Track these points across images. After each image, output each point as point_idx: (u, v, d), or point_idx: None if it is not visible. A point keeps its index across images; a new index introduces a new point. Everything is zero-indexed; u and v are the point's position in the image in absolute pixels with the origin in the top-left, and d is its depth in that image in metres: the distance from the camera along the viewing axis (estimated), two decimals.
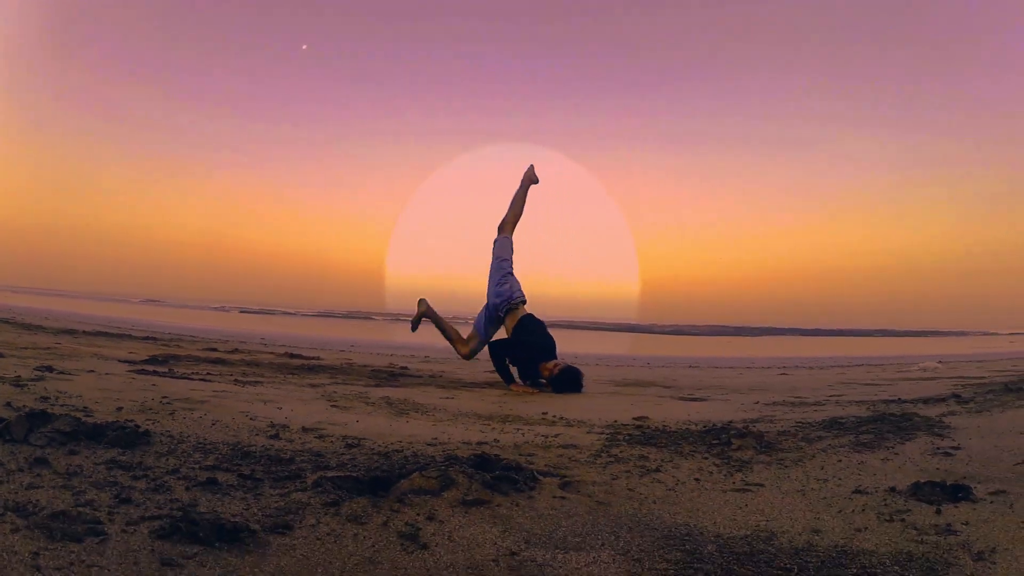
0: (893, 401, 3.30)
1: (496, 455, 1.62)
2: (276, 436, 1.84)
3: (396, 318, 25.99)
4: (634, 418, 2.66)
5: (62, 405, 1.91)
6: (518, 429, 2.30)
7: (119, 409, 1.97)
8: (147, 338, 6.77)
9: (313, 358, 5.53)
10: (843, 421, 2.50)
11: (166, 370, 3.05)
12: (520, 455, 1.78)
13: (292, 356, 5.47)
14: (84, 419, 1.60)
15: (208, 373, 3.11)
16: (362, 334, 15.90)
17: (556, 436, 2.17)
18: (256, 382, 2.96)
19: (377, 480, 1.35)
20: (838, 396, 3.89)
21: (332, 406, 2.48)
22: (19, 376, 2.28)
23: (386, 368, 4.98)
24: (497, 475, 1.39)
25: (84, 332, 6.71)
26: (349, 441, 1.86)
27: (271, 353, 5.72)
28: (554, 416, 2.68)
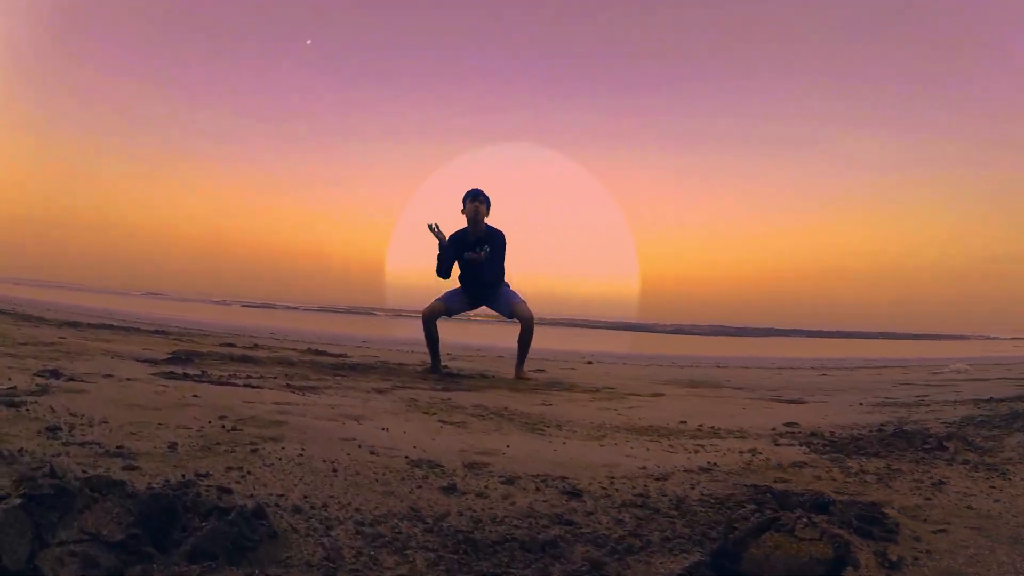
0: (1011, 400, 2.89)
1: (801, 491, 1.14)
2: (452, 489, 1.18)
3: (398, 314, 25.43)
4: (785, 424, 2.26)
5: (82, 443, 1.22)
6: (687, 444, 1.85)
7: (172, 447, 1.27)
8: (157, 331, 6.18)
9: (340, 355, 4.99)
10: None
11: (198, 372, 2.48)
12: (773, 481, 1.31)
13: (318, 352, 4.92)
14: (131, 486, 0.83)
15: (249, 376, 2.53)
16: (369, 330, 15.34)
17: (739, 451, 1.76)
18: (311, 387, 2.38)
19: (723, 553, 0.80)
20: (923, 396, 3.50)
21: (440, 422, 1.92)
22: (14, 388, 1.66)
23: (422, 365, 4.46)
24: (856, 526, 0.87)
25: (88, 325, 6.12)
26: (563, 486, 1.25)
27: (294, 350, 5.17)
28: (692, 424, 2.23)
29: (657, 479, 1.36)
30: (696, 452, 1.74)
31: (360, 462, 1.31)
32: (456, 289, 4.21)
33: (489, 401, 2.48)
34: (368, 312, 27.17)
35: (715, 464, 1.56)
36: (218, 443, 1.36)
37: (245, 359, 3.40)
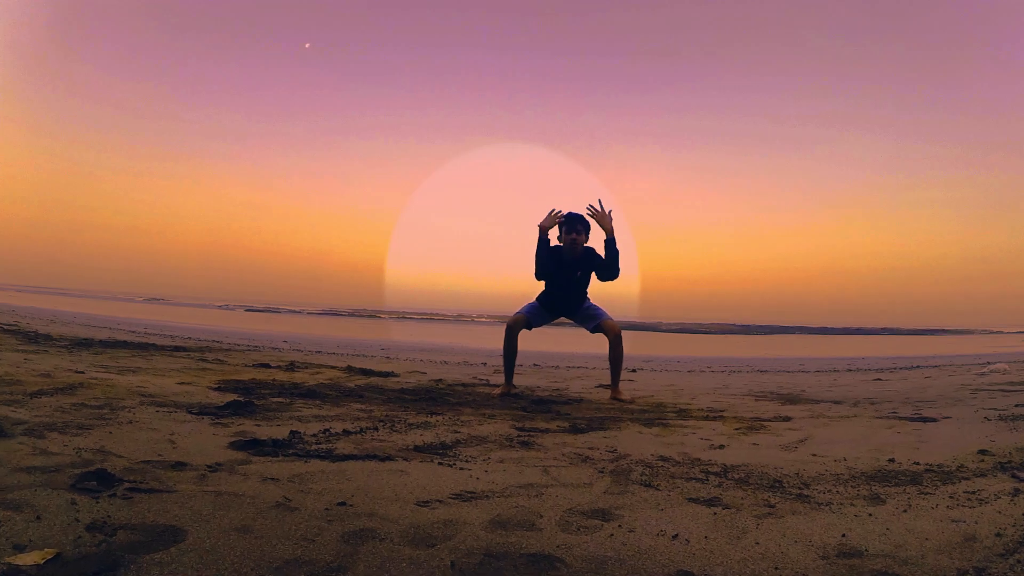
0: None
1: None
2: None
3: (402, 316, 24.76)
4: (978, 452, 1.86)
5: None
6: (952, 495, 1.40)
7: None
8: (176, 348, 5.52)
9: (388, 373, 4.37)
10: None
11: (284, 435, 1.74)
12: None
13: (364, 372, 4.29)
14: None
15: (346, 430, 1.80)
16: (379, 334, 14.69)
17: (1009, 498, 1.37)
18: (438, 447, 1.70)
19: None
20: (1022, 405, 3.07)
21: (690, 500, 1.32)
22: (58, 557, 0.88)
23: (486, 382, 3.84)
24: None
25: (100, 342, 5.44)
26: None
27: (334, 367, 4.53)
28: (904, 461, 1.77)
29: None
30: (981, 504, 1.35)
31: None
32: (536, 305, 3.69)
33: (657, 446, 1.88)
34: (371, 316, 26.44)
35: None
36: None
37: (305, 393, 2.75)
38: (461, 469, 1.48)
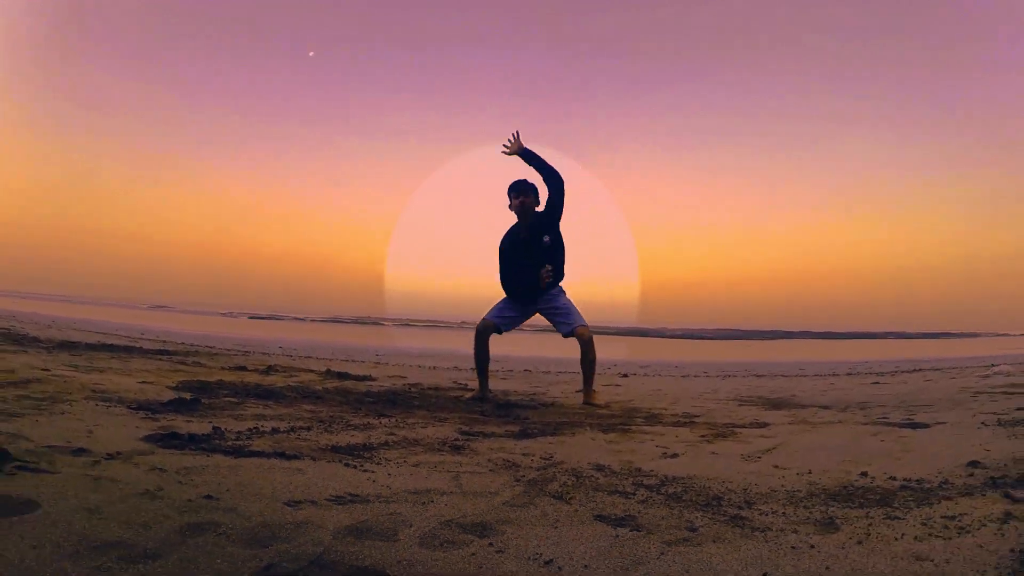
0: None
1: None
2: None
3: (406, 323, 24.76)
4: (968, 464, 1.64)
5: None
6: (925, 515, 1.18)
7: None
8: (160, 352, 5.48)
9: (364, 377, 4.30)
10: None
11: (207, 430, 1.70)
12: None
13: (339, 376, 4.22)
14: None
15: (275, 430, 1.75)
16: (379, 340, 14.65)
17: (994, 520, 1.17)
18: (362, 448, 1.63)
19: None
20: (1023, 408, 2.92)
21: (598, 518, 1.17)
22: None
23: (459, 388, 3.74)
24: None
25: (86, 345, 5.42)
26: None
27: (312, 371, 4.47)
28: (879, 476, 1.57)
29: None
30: (959, 534, 1.11)
31: None
32: (505, 300, 3.49)
33: (602, 454, 1.77)
34: (374, 322, 26.44)
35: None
36: None
37: (262, 393, 2.69)
38: (364, 471, 1.40)
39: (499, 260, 3.46)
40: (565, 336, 3.44)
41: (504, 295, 3.50)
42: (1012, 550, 1.01)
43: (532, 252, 3.36)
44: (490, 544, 1.02)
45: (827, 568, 0.97)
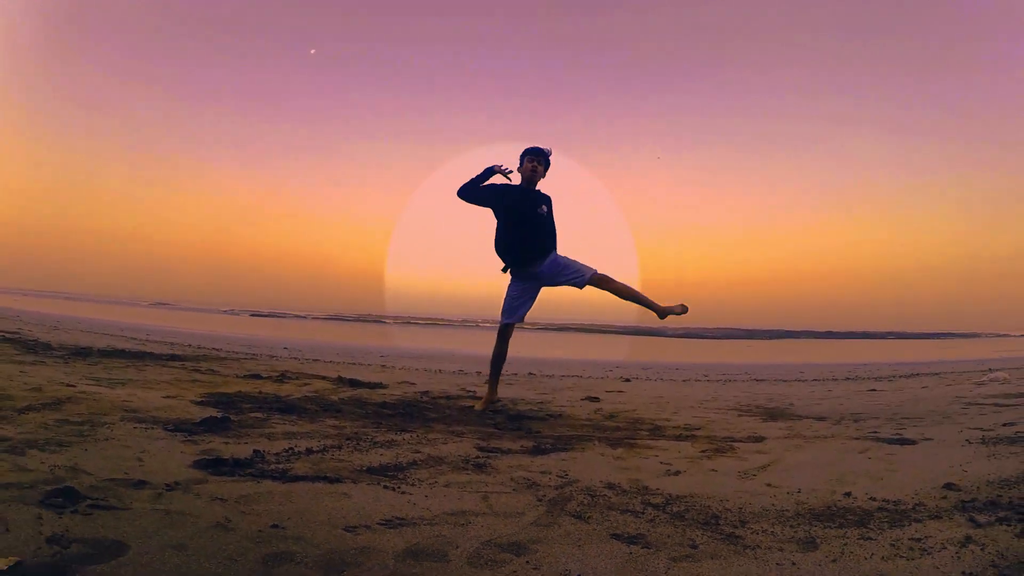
0: None
1: None
2: None
3: (408, 321, 24.88)
4: (944, 487, 1.78)
5: None
6: (894, 536, 1.33)
7: None
8: (171, 357, 5.63)
9: (376, 384, 4.43)
10: None
11: (248, 454, 1.80)
12: None
13: (351, 383, 4.36)
14: None
15: (310, 450, 1.88)
16: (381, 341, 14.79)
17: (956, 543, 1.33)
18: (393, 469, 1.78)
19: None
20: (1011, 423, 3.02)
21: (613, 537, 1.34)
22: (17, 562, 1.01)
23: (467, 395, 3.88)
24: None
25: (99, 351, 5.55)
26: None
27: (324, 378, 4.61)
28: (860, 496, 1.70)
29: None
30: (921, 555, 1.27)
31: None
32: (509, 291, 3.52)
33: (611, 472, 1.92)
34: (376, 320, 26.57)
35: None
36: None
37: (284, 407, 2.82)
38: (403, 493, 1.55)
39: (497, 218, 3.42)
40: (581, 288, 3.44)
41: (502, 266, 3.51)
42: (963, 572, 1.17)
43: (534, 213, 3.39)
44: (527, 562, 1.19)
45: None
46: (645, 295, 3.44)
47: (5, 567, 1.03)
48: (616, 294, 3.36)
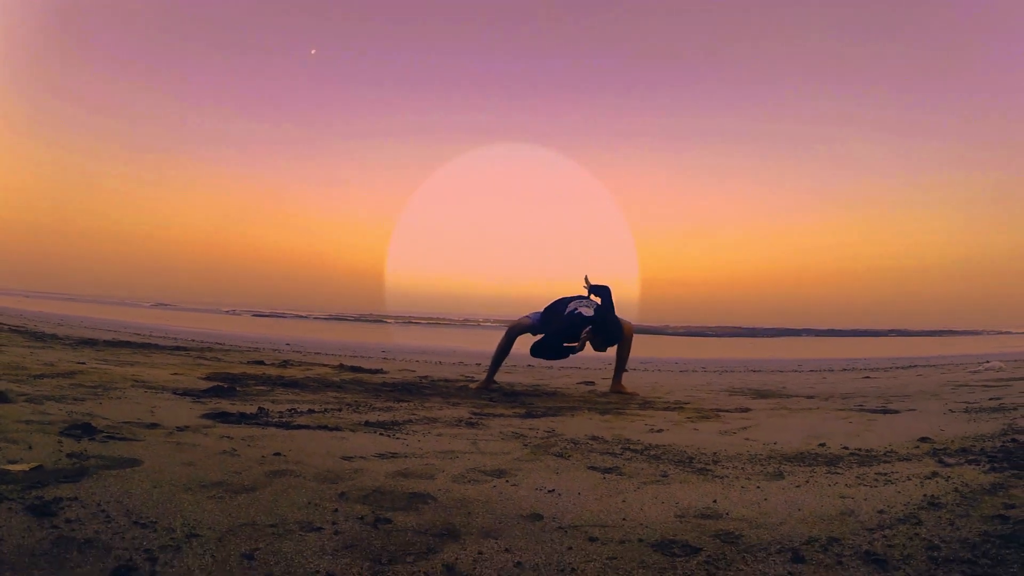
0: None
1: None
2: None
3: (408, 321, 25.03)
4: (919, 439, 1.88)
5: None
6: (861, 473, 1.38)
7: None
8: (176, 348, 5.77)
9: (376, 370, 4.56)
10: None
11: (253, 409, 1.99)
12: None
13: (353, 369, 4.49)
14: None
15: (311, 410, 2.04)
16: (382, 338, 14.90)
17: (921, 477, 1.41)
18: (390, 424, 1.91)
19: None
20: (997, 398, 3.13)
21: (592, 469, 1.45)
22: (40, 467, 1.13)
23: (466, 379, 4.00)
24: None
25: (105, 343, 5.69)
26: (864, 554, 0.94)
27: (326, 366, 4.74)
28: (834, 446, 1.81)
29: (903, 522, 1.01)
30: (885, 484, 1.35)
31: (593, 559, 0.89)
32: (550, 328, 3.57)
33: (597, 429, 2.06)
34: (377, 320, 26.72)
35: (935, 498, 1.20)
36: (381, 555, 0.88)
37: (288, 383, 2.96)
38: (398, 439, 1.68)
39: (552, 316, 3.51)
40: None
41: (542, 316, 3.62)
42: (924, 495, 1.24)
43: (574, 337, 3.45)
44: (507, 481, 1.33)
45: (765, 499, 1.24)
46: (623, 367, 3.76)
47: (27, 468, 1.16)
48: (618, 349, 3.68)
